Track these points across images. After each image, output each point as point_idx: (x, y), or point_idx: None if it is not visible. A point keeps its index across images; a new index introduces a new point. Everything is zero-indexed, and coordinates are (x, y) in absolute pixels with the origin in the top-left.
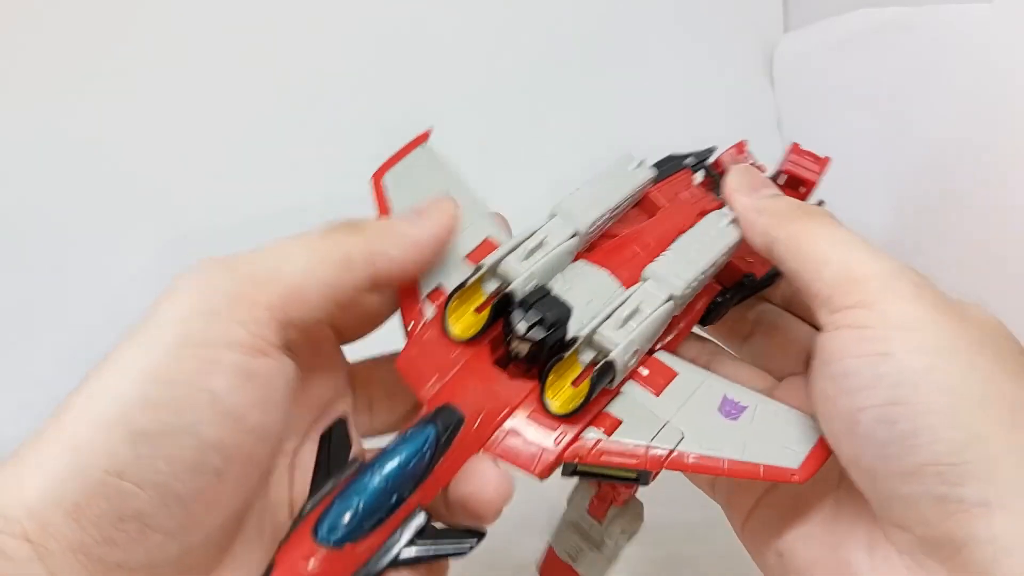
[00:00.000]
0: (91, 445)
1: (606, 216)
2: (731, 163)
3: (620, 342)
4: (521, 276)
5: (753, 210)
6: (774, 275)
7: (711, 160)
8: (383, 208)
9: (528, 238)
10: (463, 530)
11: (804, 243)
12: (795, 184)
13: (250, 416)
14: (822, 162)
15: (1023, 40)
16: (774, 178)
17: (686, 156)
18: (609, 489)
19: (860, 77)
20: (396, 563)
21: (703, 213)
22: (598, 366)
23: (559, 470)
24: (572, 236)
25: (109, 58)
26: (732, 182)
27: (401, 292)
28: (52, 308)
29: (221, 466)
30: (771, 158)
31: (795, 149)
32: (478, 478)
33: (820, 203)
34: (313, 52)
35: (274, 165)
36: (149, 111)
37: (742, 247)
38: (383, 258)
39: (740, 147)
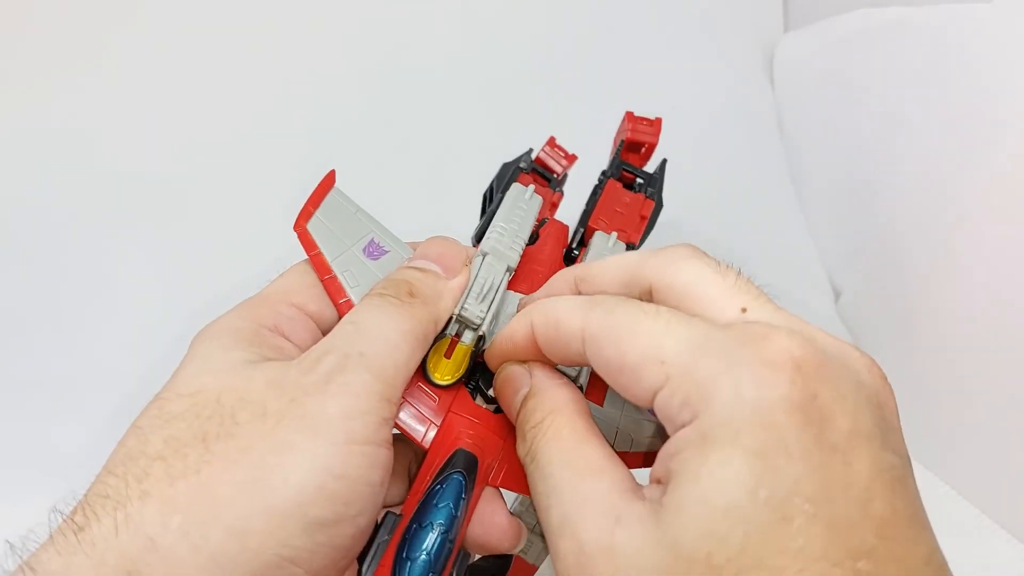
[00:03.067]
0: (267, 534)
1: (523, 246)
2: (549, 158)
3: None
4: (486, 320)
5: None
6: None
7: (533, 158)
8: (318, 260)
9: (476, 282)
10: (496, 558)
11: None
12: (636, 148)
13: (384, 499)
14: (656, 123)
15: (1023, 40)
16: (619, 151)
17: (516, 161)
18: None
19: (860, 77)
20: None
21: (554, 206)
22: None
23: None
24: (507, 272)
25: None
26: (498, 395)
27: None
28: (51, 308)
29: (358, 547)
30: (772, 159)
31: (629, 117)
32: (495, 529)
33: (663, 162)
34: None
35: (275, 166)
36: (148, 111)
37: (612, 214)
38: (440, 322)
39: (551, 142)
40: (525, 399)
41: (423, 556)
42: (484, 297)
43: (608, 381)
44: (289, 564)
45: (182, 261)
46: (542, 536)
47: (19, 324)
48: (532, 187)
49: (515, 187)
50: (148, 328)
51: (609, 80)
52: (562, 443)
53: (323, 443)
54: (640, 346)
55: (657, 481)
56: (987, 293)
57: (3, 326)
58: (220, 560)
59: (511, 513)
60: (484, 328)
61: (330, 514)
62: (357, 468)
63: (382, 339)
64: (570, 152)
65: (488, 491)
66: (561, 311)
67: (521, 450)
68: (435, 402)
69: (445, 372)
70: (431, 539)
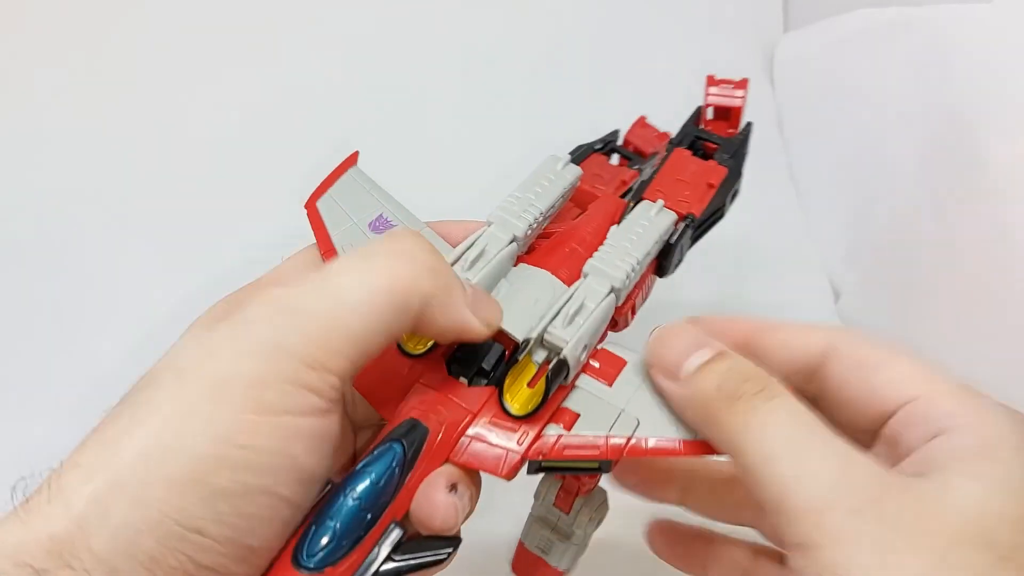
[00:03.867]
0: (167, 503)
1: (540, 218)
2: (638, 139)
3: (569, 339)
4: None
5: (678, 403)
6: (716, 211)
7: (620, 141)
8: (321, 236)
9: (468, 249)
10: (439, 539)
11: (737, 447)
12: (724, 115)
13: (318, 471)
14: (742, 84)
15: (1023, 40)
16: (696, 120)
17: (594, 143)
18: (573, 481)
19: (860, 77)
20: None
21: (623, 184)
22: (552, 365)
23: (524, 469)
24: (511, 242)
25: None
26: (649, 358)
27: None
28: (52, 309)
29: (289, 517)
30: (772, 159)
31: (711, 81)
32: (427, 506)
33: (748, 125)
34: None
35: (276, 165)
36: (153, 111)
37: (672, 184)
38: (435, 306)
39: (641, 121)
40: (712, 361)
41: (329, 523)
42: (473, 264)
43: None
44: (194, 534)
45: (185, 261)
46: (568, 538)
47: (20, 323)
48: (566, 159)
49: (547, 158)
50: (150, 329)
51: (609, 80)
52: (798, 410)
53: (226, 410)
54: (902, 364)
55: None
56: (987, 293)
57: (4, 326)
58: (127, 530)
59: (451, 492)
60: None
61: (234, 485)
62: (266, 439)
63: (337, 296)
64: (661, 131)
65: (442, 468)
66: (808, 328)
67: (713, 416)
68: (408, 372)
69: (418, 340)
70: (343, 506)
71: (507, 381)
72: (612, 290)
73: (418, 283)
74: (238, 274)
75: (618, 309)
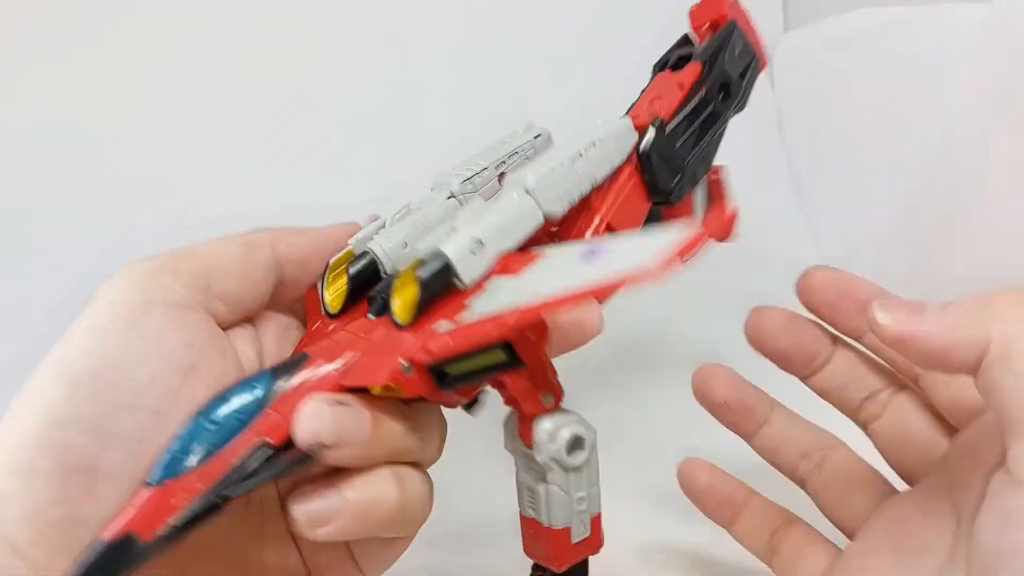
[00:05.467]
0: (30, 403)
1: (484, 172)
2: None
3: (454, 241)
4: (381, 242)
5: (948, 328)
6: (708, 104)
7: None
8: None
9: (397, 212)
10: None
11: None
12: (705, 29)
13: (183, 357)
14: None
15: (1023, 40)
16: (685, 41)
17: (657, 62)
18: (514, 401)
19: (860, 77)
20: (245, 479)
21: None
22: (427, 264)
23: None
24: (449, 197)
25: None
26: (880, 317)
27: (306, 299)
28: (54, 308)
29: (158, 406)
30: (772, 159)
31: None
32: (294, 417)
33: (730, 23)
34: (310, 55)
35: (275, 166)
36: (151, 110)
37: (647, 105)
38: (283, 243)
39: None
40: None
41: (175, 442)
42: (401, 219)
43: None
44: (58, 430)
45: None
46: (543, 478)
47: (21, 324)
48: (540, 131)
49: (525, 125)
50: None
51: (608, 79)
52: None
53: (89, 309)
54: None
55: None
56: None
57: (5, 326)
58: (12, 451)
59: (332, 406)
60: (374, 246)
61: (88, 367)
62: (120, 320)
63: (187, 245)
64: None
65: (323, 390)
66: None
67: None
68: (329, 329)
69: (334, 297)
70: (189, 423)
71: (393, 298)
72: (527, 191)
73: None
74: None
75: (573, 219)
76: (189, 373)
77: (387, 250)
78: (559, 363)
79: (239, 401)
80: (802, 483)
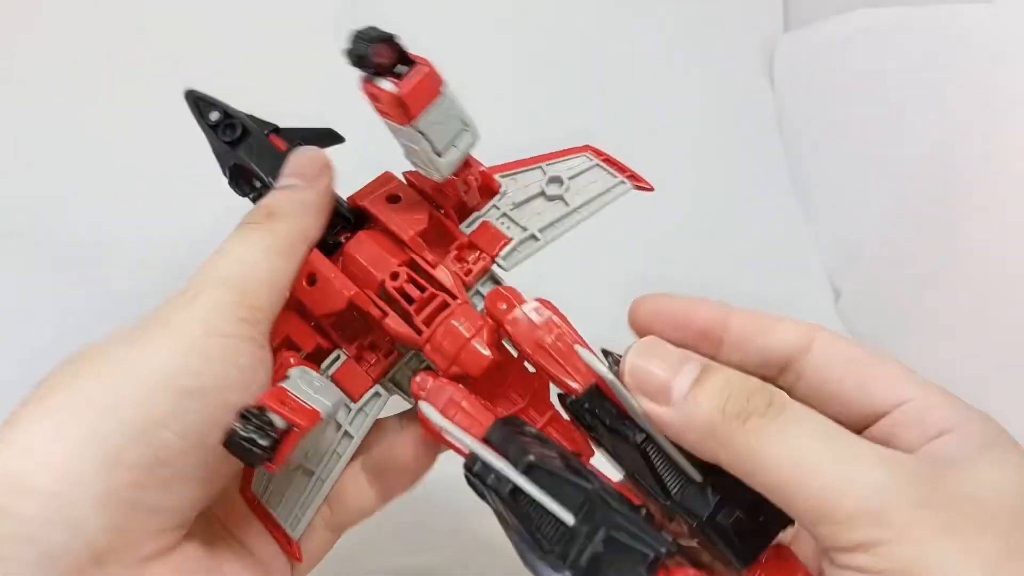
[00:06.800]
0: (135, 400)
1: None
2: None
3: None
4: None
5: (677, 430)
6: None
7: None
8: None
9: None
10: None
11: (759, 466)
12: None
13: (261, 386)
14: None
15: (1023, 40)
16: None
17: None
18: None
19: (860, 77)
20: None
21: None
22: None
23: None
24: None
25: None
26: (631, 382)
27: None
28: (56, 308)
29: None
30: (772, 159)
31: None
32: None
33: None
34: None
35: None
36: (149, 113)
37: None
38: (312, 232)
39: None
40: (704, 379)
41: None
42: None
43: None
44: (158, 428)
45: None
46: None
47: (23, 325)
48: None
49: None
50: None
51: (608, 79)
52: (813, 417)
53: (181, 335)
54: (892, 366)
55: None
56: (988, 293)
57: (7, 326)
58: (95, 438)
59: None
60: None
61: (195, 384)
62: (219, 351)
63: (239, 261)
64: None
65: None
66: (784, 320)
67: (724, 439)
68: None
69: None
70: None
71: None
72: None
73: (285, 224)
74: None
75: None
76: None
77: None
78: None
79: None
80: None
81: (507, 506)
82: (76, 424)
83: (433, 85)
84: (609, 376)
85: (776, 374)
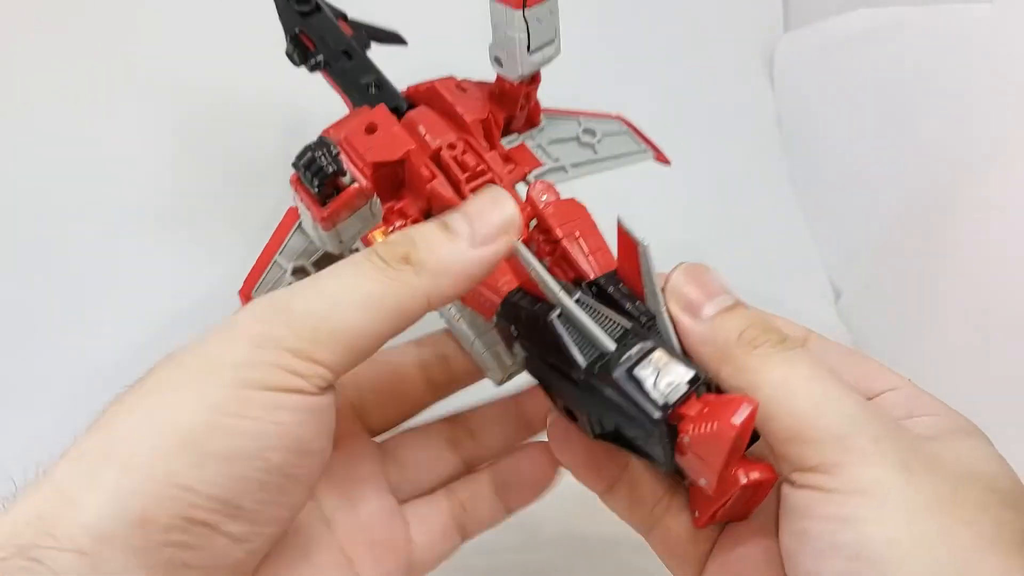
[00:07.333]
0: (157, 466)
1: None
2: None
3: None
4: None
5: (696, 341)
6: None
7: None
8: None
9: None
10: None
11: (754, 383)
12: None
13: (313, 443)
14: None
15: (1023, 40)
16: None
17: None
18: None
19: (860, 77)
20: None
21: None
22: None
23: None
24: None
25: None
26: (671, 290)
27: None
28: (58, 308)
29: (285, 485)
30: (772, 159)
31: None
32: None
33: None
34: None
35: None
36: (156, 111)
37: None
38: (438, 298)
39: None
40: (733, 308)
41: None
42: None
43: None
44: (185, 491)
45: (190, 264)
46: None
47: (25, 324)
48: None
49: None
50: (156, 330)
51: (609, 79)
52: (816, 360)
53: (216, 386)
54: (872, 361)
55: None
56: (988, 292)
57: (9, 326)
58: (118, 495)
59: None
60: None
61: (224, 448)
62: (255, 409)
63: (326, 300)
64: None
65: None
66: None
67: (732, 356)
68: None
69: None
70: None
71: None
72: None
73: (407, 295)
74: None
75: None
76: (317, 456)
77: None
78: None
79: None
80: None
81: (547, 330)
82: (109, 475)
83: None
84: (645, 243)
85: None
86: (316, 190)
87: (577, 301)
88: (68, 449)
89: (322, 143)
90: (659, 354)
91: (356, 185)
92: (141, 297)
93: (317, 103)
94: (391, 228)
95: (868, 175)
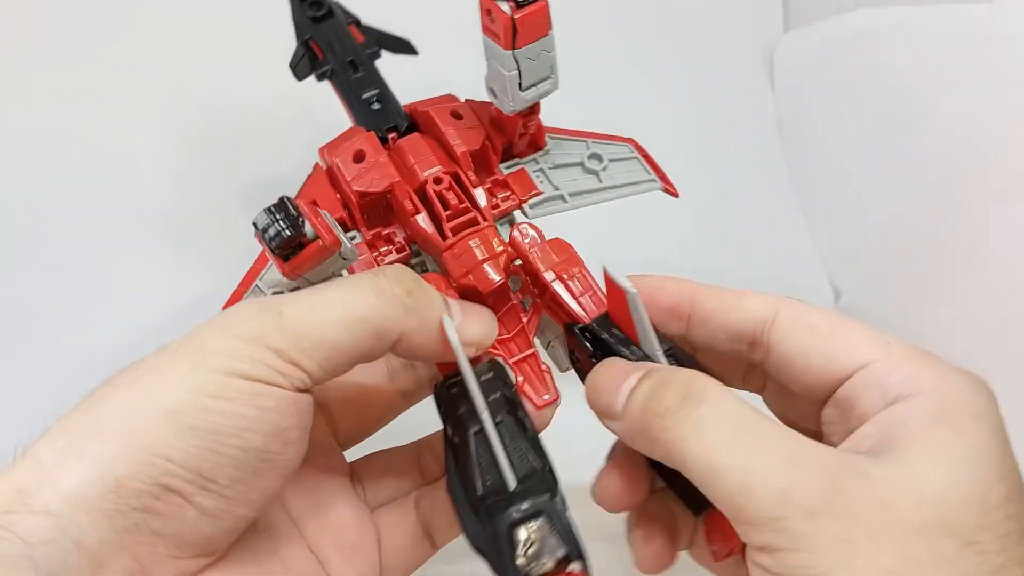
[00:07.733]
0: (139, 432)
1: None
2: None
3: None
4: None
5: (626, 439)
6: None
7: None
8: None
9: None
10: None
11: (682, 462)
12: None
13: (291, 432)
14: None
15: (1023, 40)
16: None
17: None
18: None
19: (860, 77)
20: None
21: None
22: None
23: None
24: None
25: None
26: (592, 406)
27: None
28: (52, 309)
29: (260, 468)
30: (771, 159)
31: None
32: None
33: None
34: None
35: (284, 166)
36: (154, 107)
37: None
38: (408, 341)
39: None
40: (638, 384)
41: None
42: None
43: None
44: (161, 459)
45: (190, 265)
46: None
47: (24, 323)
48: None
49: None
50: (155, 331)
51: (609, 80)
52: (730, 410)
53: (202, 371)
54: (855, 330)
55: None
56: (987, 292)
57: (9, 326)
58: (97, 461)
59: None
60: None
61: (204, 423)
62: (237, 392)
63: (323, 307)
64: None
65: None
66: (749, 294)
67: (652, 438)
68: None
69: None
70: None
71: None
72: None
73: (393, 320)
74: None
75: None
76: (284, 443)
77: None
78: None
79: None
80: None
81: (461, 439)
82: (83, 444)
83: (544, 24)
84: (633, 290)
85: (747, 349)
86: (275, 252)
87: (499, 424)
88: (51, 426)
89: (282, 205)
90: (541, 523)
91: (319, 242)
92: (141, 297)
93: (321, 113)
94: (376, 254)
95: (868, 175)
